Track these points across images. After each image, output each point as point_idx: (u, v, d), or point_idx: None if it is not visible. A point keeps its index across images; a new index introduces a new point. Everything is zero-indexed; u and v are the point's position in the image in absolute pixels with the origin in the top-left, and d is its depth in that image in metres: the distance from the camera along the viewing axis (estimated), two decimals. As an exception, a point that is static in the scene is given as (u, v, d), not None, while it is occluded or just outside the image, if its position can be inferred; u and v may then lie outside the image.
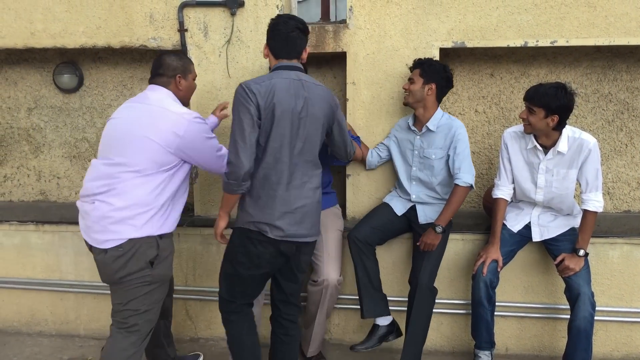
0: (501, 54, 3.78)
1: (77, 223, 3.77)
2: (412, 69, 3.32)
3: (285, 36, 2.64)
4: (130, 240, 2.59)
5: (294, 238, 2.63)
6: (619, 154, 3.84)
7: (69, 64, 4.10)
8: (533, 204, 3.25)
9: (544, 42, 3.41)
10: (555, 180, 3.11)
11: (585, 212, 3.08)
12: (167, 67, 2.82)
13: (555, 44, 3.40)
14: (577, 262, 3.07)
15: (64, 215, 3.95)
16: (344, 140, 2.88)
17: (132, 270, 2.63)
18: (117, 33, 3.68)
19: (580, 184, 3.10)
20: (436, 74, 3.22)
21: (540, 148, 3.08)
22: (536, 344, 3.56)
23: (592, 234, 3.26)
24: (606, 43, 3.38)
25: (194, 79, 2.97)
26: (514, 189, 3.26)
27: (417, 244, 3.25)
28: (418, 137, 3.34)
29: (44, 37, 3.73)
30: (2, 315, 3.98)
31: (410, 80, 3.27)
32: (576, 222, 3.24)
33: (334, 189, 3.60)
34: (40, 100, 4.23)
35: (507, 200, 3.26)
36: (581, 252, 3.08)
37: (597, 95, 3.79)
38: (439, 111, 3.30)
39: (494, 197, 3.26)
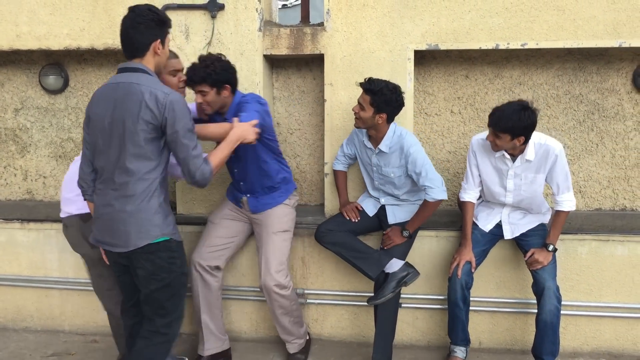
0: (475, 56, 3.88)
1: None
2: (363, 87, 3.15)
3: (124, 34, 2.50)
4: (70, 216, 3.01)
5: (102, 245, 2.56)
6: (590, 153, 3.94)
7: (55, 66, 4.18)
8: (503, 204, 3.35)
9: (515, 45, 3.51)
10: (524, 184, 3.19)
11: (558, 211, 3.19)
12: None
13: (526, 47, 3.50)
14: (546, 256, 3.17)
15: (49, 213, 4.03)
16: (177, 155, 2.46)
17: (76, 246, 3.06)
18: (101, 35, 3.77)
19: (551, 188, 3.19)
20: (389, 105, 3.14)
21: (508, 156, 3.15)
22: (508, 338, 3.66)
23: (562, 231, 3.38)
24: (575, 45, 3.48)
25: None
26: (483, 190, 3.35)
27: (383, 238, 3.35)
28: (374, 155, 3.36)
29: (29, 39, 3.82)
30: (-11, 312, 4.07)
31: (360, 106, 3.17)
32: (545, 218, 3.34)
33: (287, 185, 3.47)
34: (26, 101, 4.31)
35: (474, 202, 3.35)
36: (550, 247, 3.18)
37: (569, 96, 3.90)
38: (391, 129, 3.26)
39: (461, 200, 3.34)
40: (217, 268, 3.39)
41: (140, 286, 2.58)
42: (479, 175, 3.29)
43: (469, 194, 3.32)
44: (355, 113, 3.21)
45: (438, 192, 3.19)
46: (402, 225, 3.35)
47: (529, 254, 3.24)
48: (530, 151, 3.10)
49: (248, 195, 3.38)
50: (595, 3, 3.42)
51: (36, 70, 4.24)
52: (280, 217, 3.37)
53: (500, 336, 3.67)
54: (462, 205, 3.35)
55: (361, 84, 3.17)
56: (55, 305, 3.98)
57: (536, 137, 3.09)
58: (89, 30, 3.77)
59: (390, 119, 3.24)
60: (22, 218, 3.93)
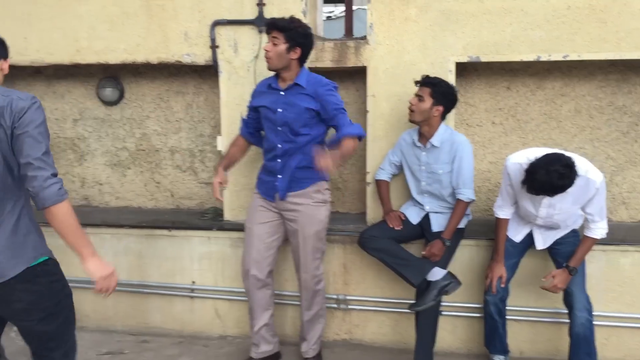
0: (517, 68, 3.93)
1: (117, 226, 4.09)
2: (419, 84, 3.41)
3: None
4: None
5: None
6: (633, 164, 3.93)
7: (111, 79, 4.42)
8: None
9: (557, 57, 3.55)
10: (557, 214, 3.14)
11: (587, 237, 3.15)
12: None
13: (567, 58, 3.54)
14: (565, 279, 3.16)
15: (105, 219, 4.24)
16: (23, 157, 2.09)
17: None
18: (155, 50, 3.97)
19: (586, 216, 3.14)
20: (446, 98, 3.35)
21: None
22: (550, 348, 3.67)
23: (605, 242, 3.40)
24: (617, 57, 3.50)
25: None
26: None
27: (423, 252, 3.43)
28: (424, 153, 3.47)
29: (88, 54, 4.06)
30: (47, 311, 4.29)
31: (419, 98, 3.36)
32: (577, 223, 3.32)
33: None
34: (84, 112, 4.56)
35: (509, 219, 3.34)
36: (573, 271, 3.16)
37: (612, 107, 3.90)
38: (442, 126, 3.42)
39: (496, 216, 3.32)
40: (270, 272, 3.49)
41: (18, 321, 2.28)
42: (514, 195, 3.25)
43: (504, 211, 3.30)
44: (411, 105, 3.37)
45: (471, 192, 3.37)
46: (438, 237, 3.42)
47: (548, 277, 3.23)
48: None
49: (280, 176, 3.30)
50: (638, 15, 3.43)
51: (94, 83, 4.48)
52: (313, 217, 3.32)
53: (541, 346, 3.69)
54: (496, 221, 3.35)
55: (419, 81, 3.41)
56: (109, 307, 4.18)
57: (577, 167, 2.88)
58: (144, 45, 3.98)
59: (443, 115, 3.40)
60: (81, 223, 4.13)
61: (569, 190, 2.91)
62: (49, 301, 2.26)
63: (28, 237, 2.21)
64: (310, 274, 3.39)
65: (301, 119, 3.20)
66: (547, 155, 2.89)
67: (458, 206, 3.38)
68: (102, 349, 3.92)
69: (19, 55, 4.10)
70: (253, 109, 3.40)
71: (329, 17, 12.85)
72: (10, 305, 2.22)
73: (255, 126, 3.47)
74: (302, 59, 3.22)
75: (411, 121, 3.44)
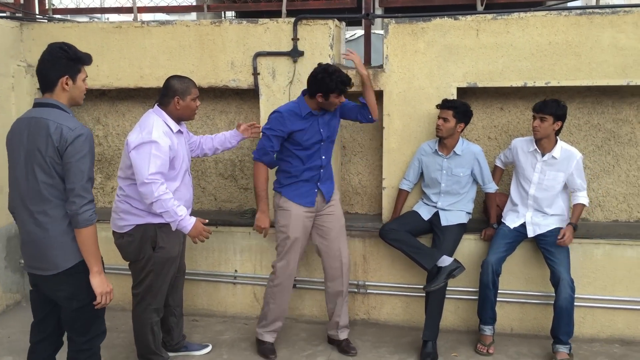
0: (509, 92, 4.67)
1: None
2: (441, 107, 4.16)
3: (37, 69, 2.73)
4: (137, 226, 3.47)
5: (31, 270, 2.78)
6: (607, 173, 4.66)
7: (166, 100, 5.19)
8: (527, 206, 4.13)
9: (540, 83, 4.30)
10: (547, 179, 4.05)
11: (577, 204, 4.07)
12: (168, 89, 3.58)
13: (549, 85, 4.29)
14: (572, 233, 4.01)
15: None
16: (67, 185, 2.63)
17: (137, 251, 3.51)
18: (206, 76, 4.75)
19: (572, 188, 4.09)
20: (466, 115, 4.17)
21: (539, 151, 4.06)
22: (536, 325, 4.39)
23: (581, 237, 4.19)
24: (590, 84, 4.24)
25: (193, 99, 3.61)
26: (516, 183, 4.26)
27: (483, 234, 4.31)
28: (445, 160, 4.24)
29: (150, 80, 4.84)
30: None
31: (445, 119, 4.10)
32: (563, 224, 4.08)
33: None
34: (141, 128, 5.32)
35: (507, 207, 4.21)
36: (575, 227, 4.06)
37: (588, 125, 4.64)
38: (460, 138, 4.24)
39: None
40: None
41: (62, 311, 2.81)
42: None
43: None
44: (439, 126, 4.14)
45: (494, 185, 4.29)
46: (447, 230, 4.22)
47: (561, 233, 3.99)
48: (557, 151, 4.03)
49: (319, 184, 4.01)
50: (607, 49, 4.18)
51: (151, 103, 5.19)
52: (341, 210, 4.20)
53: (529, 324, 4.41)
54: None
55: (440, 104, 4.19)
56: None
57: (563, 142, 4.09)
58: (197, 72, 4.75)
59: (463, 129, 4.21)
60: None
61: (557, 158, 4.00)
62: (84, 294, 2.73)
63: (75, 240, 2.69)
64: (349, 260, 4.22)
65: (336, 131, 4.14)
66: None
67: (491, 198, 4.30)
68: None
69: (91, 80, 4.73)
70: (286, 136, 3.92)
71: (349, 40, 13.58)
72: (56, 293, 2.74)
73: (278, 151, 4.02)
74: (311, 93, 3.88)
75: (438, 136, 4.21)
